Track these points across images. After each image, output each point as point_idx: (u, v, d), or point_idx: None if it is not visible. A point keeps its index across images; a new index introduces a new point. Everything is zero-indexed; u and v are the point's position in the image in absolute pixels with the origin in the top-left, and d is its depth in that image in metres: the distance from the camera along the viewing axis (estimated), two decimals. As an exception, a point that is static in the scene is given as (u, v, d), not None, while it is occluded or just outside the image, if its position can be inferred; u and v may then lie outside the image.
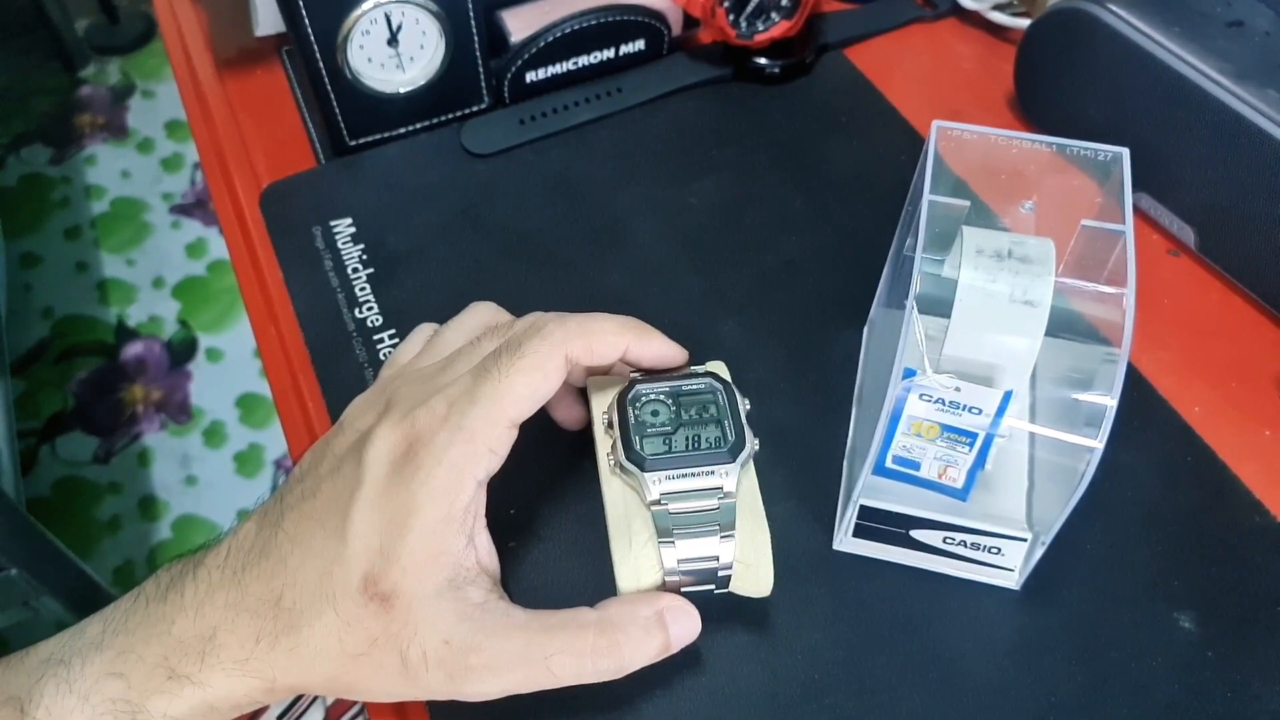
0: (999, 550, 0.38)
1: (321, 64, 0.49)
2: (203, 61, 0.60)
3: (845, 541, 0.39)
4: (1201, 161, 0.47)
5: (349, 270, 0.49)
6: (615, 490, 0.33)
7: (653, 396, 0.34)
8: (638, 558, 0.32)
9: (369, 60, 0.50)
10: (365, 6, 0.48)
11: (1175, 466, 0.42)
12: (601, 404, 0.35)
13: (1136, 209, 0.51)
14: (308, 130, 0.56)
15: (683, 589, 0.33)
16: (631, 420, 0.33)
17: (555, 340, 0.31)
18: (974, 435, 0.37)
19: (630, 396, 0.34)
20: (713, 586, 0.33)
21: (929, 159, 0.38)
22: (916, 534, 0.38)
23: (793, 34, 0.56)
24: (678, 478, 0.32)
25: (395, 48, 0.50)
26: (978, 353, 0.37)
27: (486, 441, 0.29)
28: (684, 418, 0.33)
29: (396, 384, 0.33)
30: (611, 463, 0.33)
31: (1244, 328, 0.47)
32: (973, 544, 0.38)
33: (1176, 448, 0.43)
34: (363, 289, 0.48)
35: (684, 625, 0.32)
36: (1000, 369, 0.37)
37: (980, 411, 0.37)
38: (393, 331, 0.47)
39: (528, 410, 0.31)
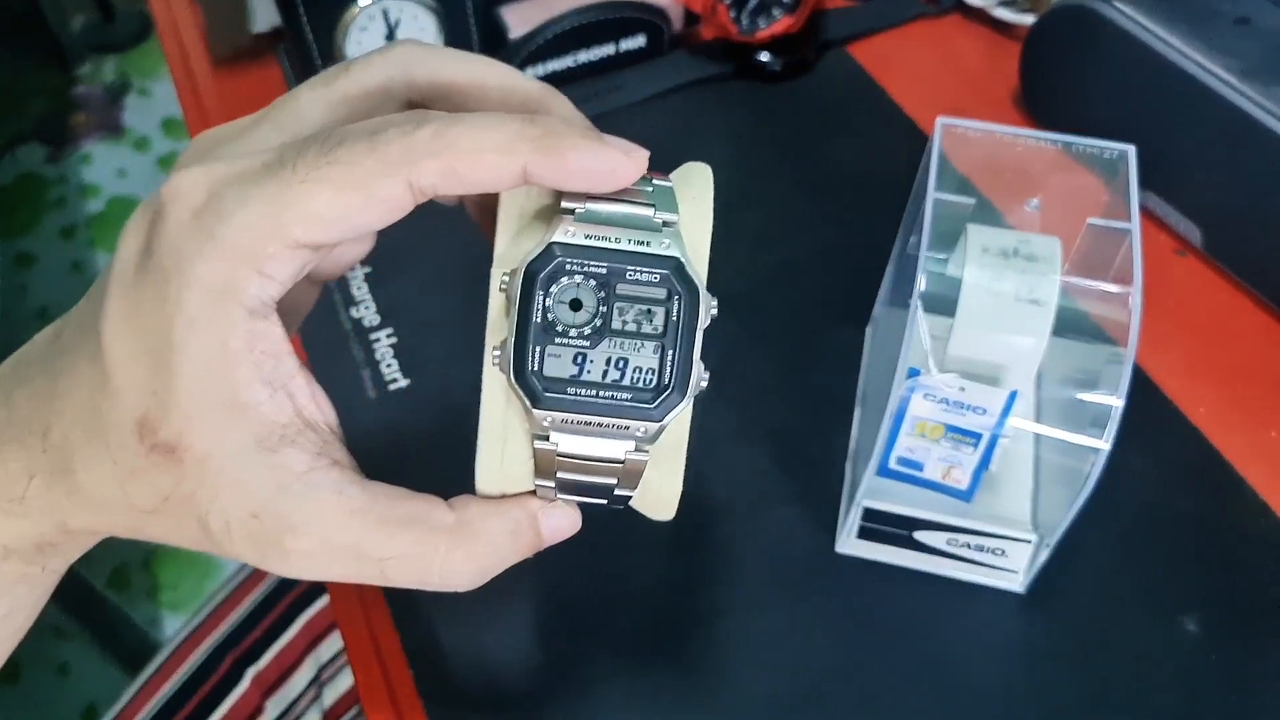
0: (1003, 552, 0.37)
1: (319, 61, 0.48)
2: (199, 59, 0.60)
3: (848, 544, 0.39)
4: (1208, 160, 0.46)
5: (346, 269, 0.49)
6: (497, 386, 0.25)
7: (579, 279, 0.23)
8: (509, 462, 0.25)
9: (366, 56, 0.50)
10: (363, 3, 0.48)
11: (1181, 468, 0.42)
12: (505, 253, 0.25)
13: (1142, 208, 0.50)
14: (304, 127, 0.55)
15: (561, 498, 0.25)
16: (537, 314, 0.23)
17: (390, 156, 0.21)
18: (978, 436, 0.37)
19: (545, 272, 0.23)
20: (604, 502, 0.25)
21: (933, 156, 0.38)
22: (920, 536, 0.37)
23: (795, 30, 0.56)
24: (579, 425, 0.24)
25: (393, 44, 0.50)
26: (983, 352, 0.36)
27: (252, 261, 0.21)
28: (614, 323, 0.23)
29: (193, 142, 0.25)
30: (495, 358, 0.24)
31: (1251, 328, 0.47)
32: (977, 546, 0.37)
33: (1182, 449, 0.42)
34: (360, 287, 0.48)
35: (559, 521, 0.26)
36: (1005, 368, 0.37)
37: (985, 411, 0.36)
38: (390, 330, 0.46)
39: (326, 235, 0.22)
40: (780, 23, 0.56)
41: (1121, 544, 0.39)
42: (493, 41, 0.53)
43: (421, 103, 0.25)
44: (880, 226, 0.47)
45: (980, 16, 0.60)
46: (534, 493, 0.25)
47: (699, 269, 0.24)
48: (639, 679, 0.36)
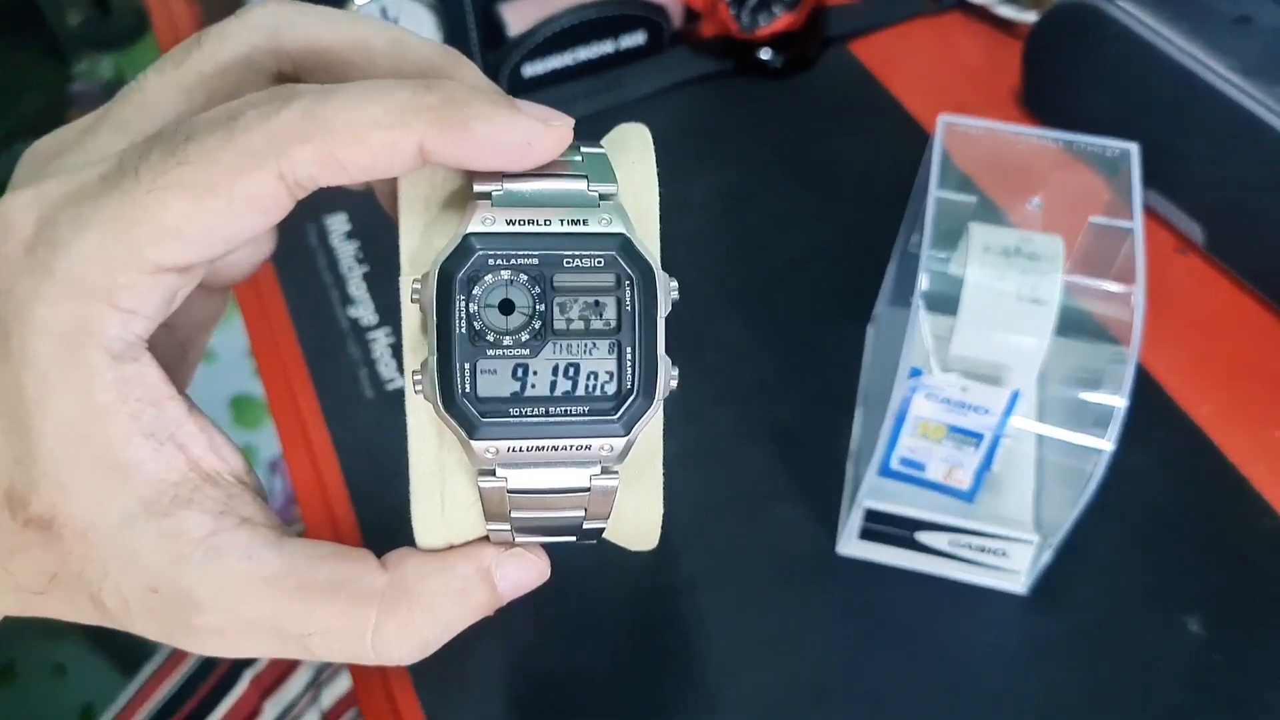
0: (1006, 553, 0.37)
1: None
2: (195, 55, 0.59)
3: (849, 545, 0.39)
4: (1209, 158, 0.46)
5: (343, 268, 0.48)
6: (425, 417, 0.21)
7: (506, 275, 0.19)
8: (451, 506, 0.21)
9: (364, 53, 0.49)
10: (360, 1, 0.47)
11: (1183, 468, 0.42)
12: (415, 254, 0.21)
13: (1144, 206, 0.50)
14: (302, 125, 0.55)
15: (520, 542, 0.22)
16: (460, 324, 0.19)
17: (251, 145, 0.18)
18: (980, 436, 0.37)
19: (464, 271, 0.19)
20: (572, 538, 0.22)
21: (935, 154, 0.38)
22: (922, 537, 0.37)
23: (796, 27, 0.56)
24: (530, 454, 0.20)
25: (391, 41, 0.50)
26: (985, 351, 0.36)
27: (104, 295, 0.18)
28: (557, 323, 0.19)
29: (24, 155, 0.21)
30: (417, 384, 0.20)
31: (1253, 327, 0.47)
32: (979, 547, 0.37)
33: (1185, 449, 0.42)
34: (358, 287, 0.48)
35: (519, 572, 0.22)
36: (1008, 368, 0.37)
37: (987, 411, 0.36)
38: (388, 330, 0.46)
39: (190, 253, 0.18)
40: (781, 20, 0.55)
41: (1124, 544, 0.39)
42: (492, 39, 0.53)
43: (294, 76, 0.21)
44: (882, 225, 0.47)
45: (982, 14, 0.60)
46: (488, 538, 0.21)
47: (650, 246, 0.20)
48: (638, 679, 0.36)
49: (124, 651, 0.99)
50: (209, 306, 0.23)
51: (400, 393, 0.44)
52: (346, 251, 0.49)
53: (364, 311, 0.47)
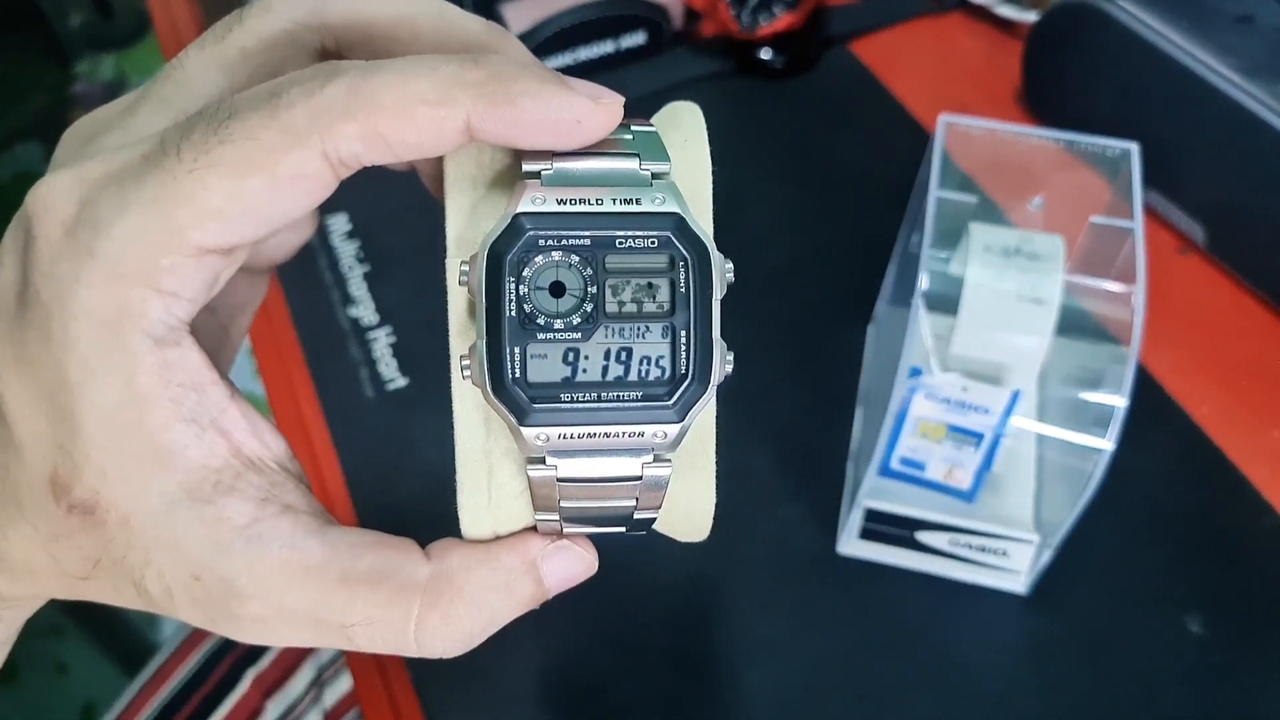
0: (1006, 553, 0.37)
1: (316, 57, 0.48)
2: (196, 55, 0.59)
3: (850, 545, 0.39)
4: (1210, 158, 0.46)
5: (344, 267, 0.48)
6: (472, 404, 0.20)
7: (557, 256, 0.19)
8: (499, 495, 0.21)
9: (365, 54, 0.49)
10: None
11: (1183, 467, 0.42)
12: (461, 235, 0.20)
13: (1145, 206, 0.50)
14: (303, 125, 0.55)
15: (568, 533, 0.21)
16: (510, 306, 0.19)
17: (295, 123, 0.17)
18: (981, 435, 0.37)
19: (514, 252, 0.18)
20: (622, 529, 0.21)
21: (935, 154, 0.38)
22: (922, 536, 0.37)
23: (796, 27, 0.56)
24: (581, 441, 0.19)
25: (392, 41, 0.50)
26: (986, 351, 0.36)
27: (146, 278, 0.18)
28: (609, 306, 0.19)
29: (65, 135, 0.21)
30: (465, 369, 0.19)
31: (1253, 327, 0.47)
32: (979, 546, 0.37)
33: (1185, 448, 0.42)
34: (358, 286, 0.48)
35: (567, 564, 0.22)
36: (1008, 368, 0.37)
37: (988, 411, 0.36)
38: (389, 329, 0.46)
39: (232, 234, 0.18)
40: (781, 19, 0.55)
41: (1124, 544, 0.39)
42: (492, 39, 0.53)
43: (336, 51, 0.21)
44: (882, 225, 0.47)
45: (983, 14, 0.60)
46: (535, 528, 0.21)
47: (704, 226, 0.20)
48: (639, 678, 0.36)
49: (126, 650, 0.99)
50: (250, 288, 0.23)
51: (400, 392, 0.45)
52: (347, 251, 0.49)
53: (364, 311, 0.47)
